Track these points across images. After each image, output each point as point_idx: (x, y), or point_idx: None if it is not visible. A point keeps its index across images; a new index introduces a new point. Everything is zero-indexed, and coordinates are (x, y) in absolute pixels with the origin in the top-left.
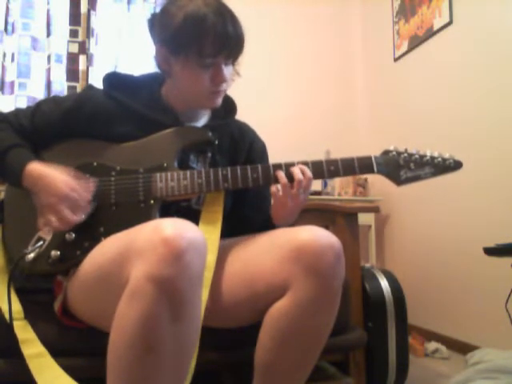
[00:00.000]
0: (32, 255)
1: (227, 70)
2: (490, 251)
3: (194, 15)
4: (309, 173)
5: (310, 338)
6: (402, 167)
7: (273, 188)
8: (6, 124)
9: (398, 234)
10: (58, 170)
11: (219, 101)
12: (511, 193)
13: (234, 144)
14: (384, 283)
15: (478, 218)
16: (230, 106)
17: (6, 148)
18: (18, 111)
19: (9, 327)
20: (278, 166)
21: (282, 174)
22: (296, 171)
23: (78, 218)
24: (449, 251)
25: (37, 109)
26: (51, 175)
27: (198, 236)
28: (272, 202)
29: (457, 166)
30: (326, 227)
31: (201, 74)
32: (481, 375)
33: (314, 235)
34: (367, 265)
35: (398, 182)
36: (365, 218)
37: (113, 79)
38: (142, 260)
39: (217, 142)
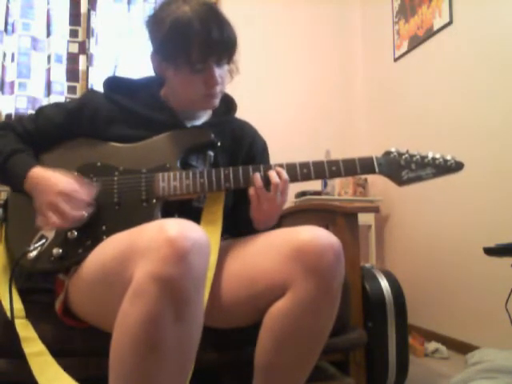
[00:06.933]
0: (34, 253)
1: (221, 71)
2: (489, 251)
3: (178, 23)
4: (285, 175)
5: (310, 337)
6: (403, 168)
7: (251, 191)
8: (8, 130)
9: (398, 234)
10: (61, 173)
11: (216, 102)
12: (511, 193)
13: (235, 142)
14: (384, 283)
15: (478, 218)
16: (229, 103)
17: (8, 153)
18: (21, 117)
19: (10, 325)
20: (256, 169)
21: (258, 177)
22: (272, 175)
23: (79, 214)
24: (449, 251)
25: (40, 113)
26: (54, 176)
27: (202, 236)
28: (251, 205)
29: (458, 167)
30: (326, 227)
31: (193, 79)
32: (481, 375)
33: (314, 235)
34: (367, 265)
35: (400, 182)
36: (365, 218)
37: (113, 83)
38: (145, 260)
39: (219, 144)
